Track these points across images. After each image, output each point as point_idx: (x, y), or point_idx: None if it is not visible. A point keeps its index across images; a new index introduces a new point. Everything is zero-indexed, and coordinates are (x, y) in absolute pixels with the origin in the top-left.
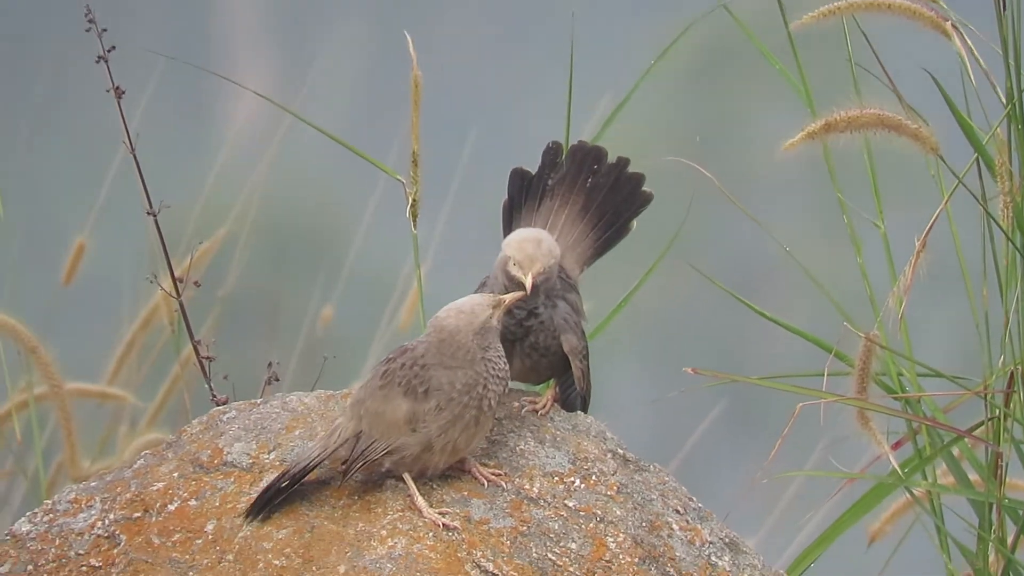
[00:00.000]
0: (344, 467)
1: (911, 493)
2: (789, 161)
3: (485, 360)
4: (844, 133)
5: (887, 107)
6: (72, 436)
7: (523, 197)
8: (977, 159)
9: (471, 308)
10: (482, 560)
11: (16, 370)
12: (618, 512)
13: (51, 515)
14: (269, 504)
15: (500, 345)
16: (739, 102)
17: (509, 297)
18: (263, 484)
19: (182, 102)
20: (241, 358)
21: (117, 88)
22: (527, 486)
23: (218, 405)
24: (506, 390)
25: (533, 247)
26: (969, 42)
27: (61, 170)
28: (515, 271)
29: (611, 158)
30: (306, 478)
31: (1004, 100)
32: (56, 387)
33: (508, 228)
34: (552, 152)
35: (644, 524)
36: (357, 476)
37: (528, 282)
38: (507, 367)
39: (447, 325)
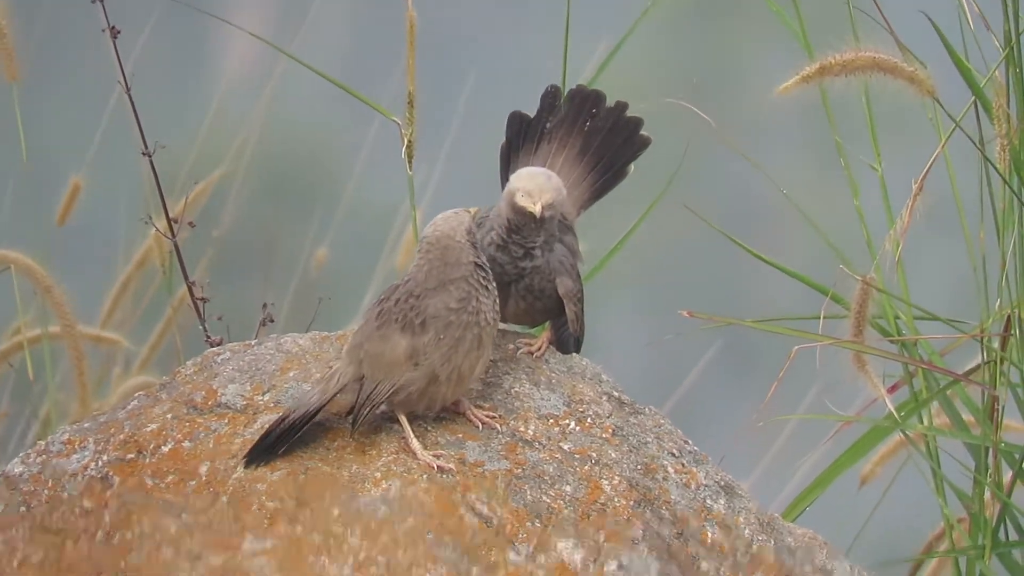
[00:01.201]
0: (351, 414)
1: (907, 436)
2: (786, 104)
3: (477, 267)
4: (839, 76)
5: (884, 50)
6: (84, 376)
7: (521, 140)
8: (975, 102)
9: (450, 215)
10: (476, 503)
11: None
12: (613, 455)
13: (44, 456)
14: (271, 451)
15: (487, 265)
16: (736, 44)
17: (474, 209)
18: (258, 426)
19: (179, 43)
20: (236, 299)
21: (113, 28)
22: (522, 428)
23: (212, 346)
24: (498, 315)
25: (544, 179)
26: None
27: (57, 110)
28: (523, 200)
29: (609, 102)
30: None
31: (1002, 43)
32: (69, 327)
33: (506, 171)
34: (550, 96)
35: (639, 467)
36: (367, 421)
37: (537, 209)
38: (496, 291)
39: (440, 234)
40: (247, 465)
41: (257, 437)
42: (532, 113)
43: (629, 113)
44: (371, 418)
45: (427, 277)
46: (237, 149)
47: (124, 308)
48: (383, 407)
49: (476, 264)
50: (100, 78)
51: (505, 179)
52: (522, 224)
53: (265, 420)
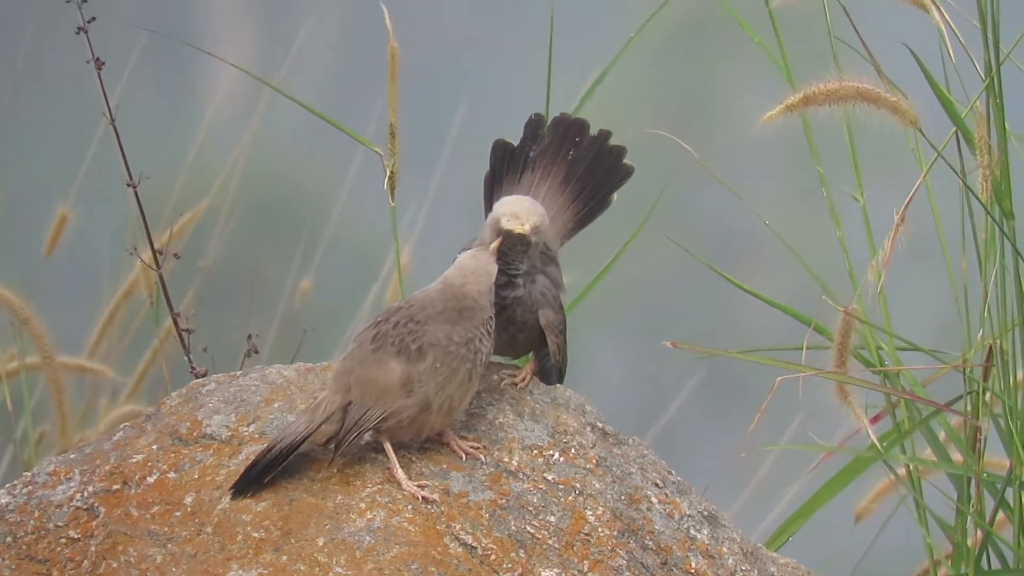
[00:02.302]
0: (334, 440)
1: (889, 467)
2: (769, 134)
3: (490, 318)
4: (823, 106)
5: (867, 80)
6: (63, 407)
7: (505, 169)
8: (956, 132)
9: (482, 267)
10: (461, 533)
11: (5, 340)
12: (597, 485)
13: (30, 487)
14: (257, 482)
15: (492, 309)
16: (719, 75)
17: (495, 244)
18: (243, 457)
19: (164, 75)
20: (221, 330)
21: (97, 59)
22: (506, 459)
23: (197, 377)
24: (491, 351)
25: (529, 204)
26: (948, 16)
27: (45, 141)
28: (509, 223)
29: (592, 130)
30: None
31: (983, 74)
32: (48, 359)
33: (489, 200)
34: (534, 124)
35: (623, 497)
36: (351, 448)
37: (526, 229)
38: (494, 323)
39: (469, 292)
40: (234, 496)
41: (242, 468)
42: (517, 141)
43: (612, 142)
44: (356, 444)
45: (438, 312)
46: (223, 180)
47: (111, 339)
48: (369, 435)
49: (488, 317)
50: (87, 109)
51: (488, 208)
52: (508, 249)
53: (250, 451)
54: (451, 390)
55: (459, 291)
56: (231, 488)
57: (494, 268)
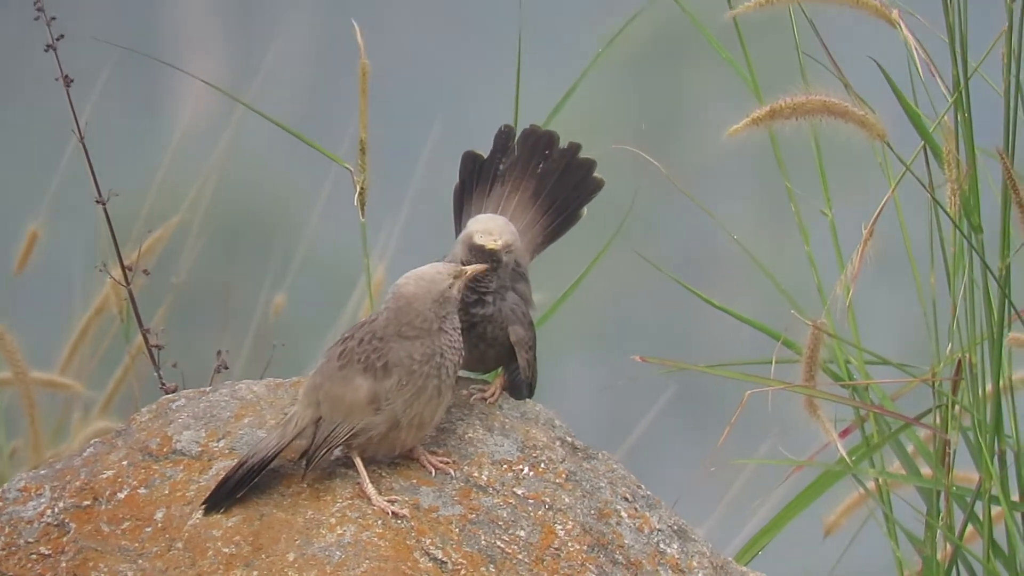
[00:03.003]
0: (305, 456)
1: (859, 481)
2: (736, 149)
3: (442, 331)
4: (789, 120)
5: (834, 94)
6: (36, 424)
7: (475, 182)
8: (924, 147)
9: (432, 276)
10: (431, 548)
11: None
12: (567, 500)
13: (1, 503)
14: (229, 497)
15: (457, 317)
16: (688, 90)
17: (471, 268)
18: (213, 473)
19: (136, 92)
20: (193, 347)
21: (66, 77)
22: (476, 474)
23: (167, 393)
24: (460, 362)
25: (502, 223)
26: (915, 31)
27: (14, 158)
28: (482, 239)
29: (562, 143)
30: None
31: (951, 88)
32: (21, 374)
33: (459, 213)
34: (504, 136)
35: (593, 512)
36: (322, 464)
37: (498, 245)
38: (461, 340)
39: (405, 292)
40: (206, 512)
41: (213, 484)
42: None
43: (581, 155)
44: (326, 460)
45: (387, 324)
46: (194, 197)
47: (83, 355)
48: (339, 450)
49: (439, 328)
50: (57, 126)
51: (458, 221)
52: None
53: (221, 467)
54: (419, 407)
55: (397, 291)
56: (203, 504)
57: (447, 284)
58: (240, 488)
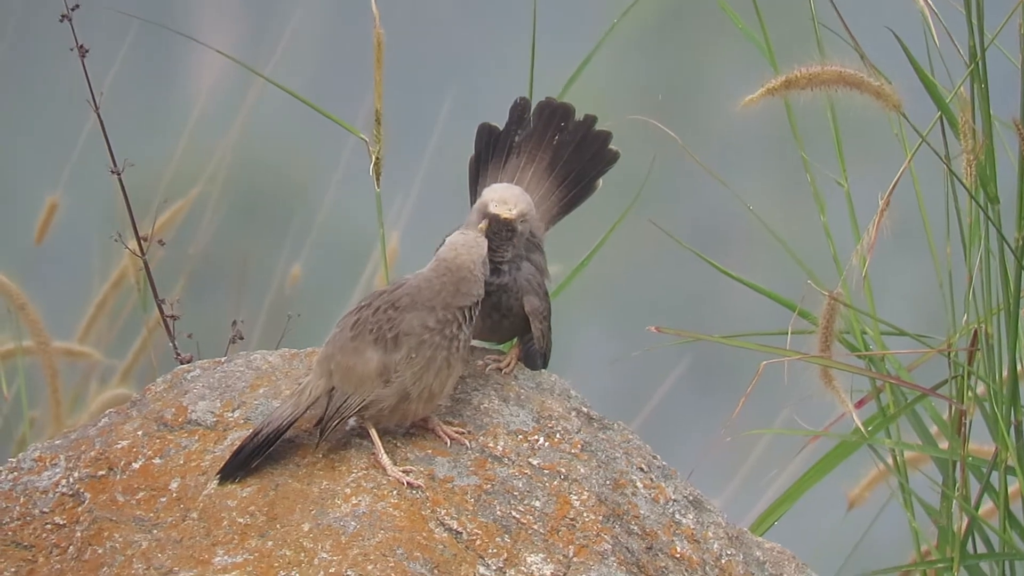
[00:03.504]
0: (319, 426)
1: (876, 453)
2: (753, 119)
3: (477, 302)
4: (805, 90)
5: (850, 65)
6: (58, 393)
7: (490, 154)
8: (940, 117)
9: (471, 242)
10: (446, 518)
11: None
12: (582, 470)
13: (15, 473)
14: (244, 467)
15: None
16: (703, 61)
17: (482, 224)
18: (228, 443)
19: (154, 63)
20: (209, 318)
21: (81, 47)
22: (491, 444)
23: (182, 364)
24: (470, 332)
25: (518, 192)
26: (931, 1)
27: (36, 128)
28: (497, 208)
29: (578, 116)
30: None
31: (967, 59)
32: (43, 344)
33: (475, 184)
34: (519, 108)
35: (608, 482)
36: (335, 435)
37: (513, 214)
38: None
39: (461, 263)
40: (221, 481)
41: (228, 454)
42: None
43: (597, 127)
44: (340, 430)
45: (435, 292)
46: (212, 169)
47: (101, 325)
48: (354, 420)
49: (478, 296)
50: (78, 97)
51: (473, 192)
52: (493, 234)
53: (235, 437)
54: (429, 379)
55: (453, 263)
56: (218, 473)
57: (484, 242)
58: (255, 458)
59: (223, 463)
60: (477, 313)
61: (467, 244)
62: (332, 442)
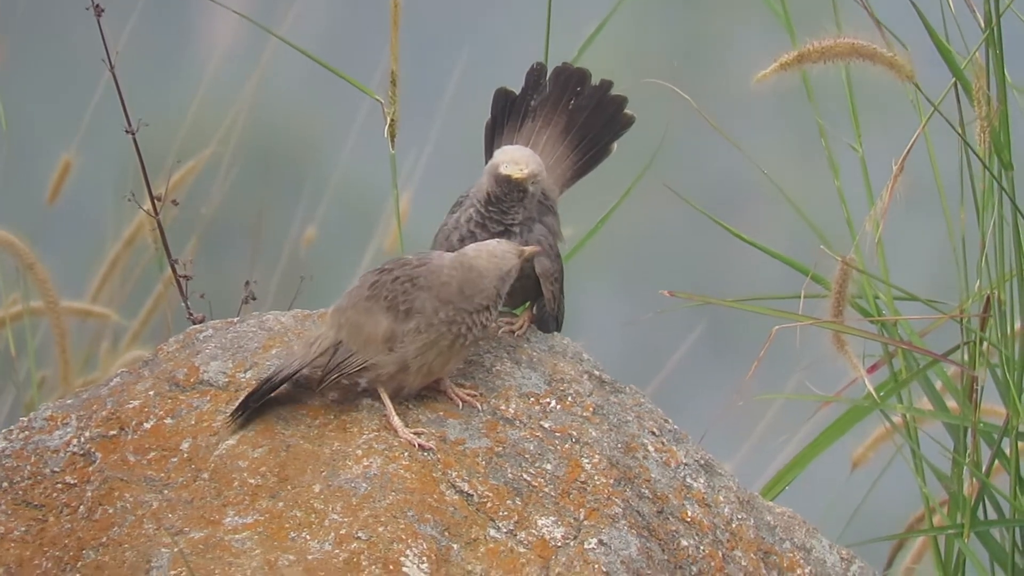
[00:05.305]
0: (320, 376)
1: (887, 418)
2: (768, 86)
3: (491, 308)
4: (818, 63)
5: (862, 35)
6: (66, 353)
7: (506, 117)
8: (955, 84)
9: (502, 253)
10: (457, 480)
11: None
12: (593, 433)
13: (27, 432)
14: (247, 408)
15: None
16: (720, 25)
17: (529, 249)
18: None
19: (168, 23)
20: (222, 278)
21: (97, 6)
22: (503, 407)
23: (194, 324)
24: (482, 336)
25: (528, 153)
26: None
27: (48, 88)
28: (508, 168)
29: (593, 81)
30: (283, 389)
31: (983, 25)
32: (52, 304)
33: (490, 148)
34: (535, 73)
35: (619, 445)
36: (331, 390)
37: (525, 174)
38: (495, 317)
39: (477, 265)
40: (231, 419)
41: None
42: (518, 90)
43: (612, 92)
44: (340, 384)
45: (444, 285)
46: (225, 129)
47: (113, 285)
48: (363, 382)
49: (485, 307)
50: (92, 56)
51: (488, 155)
52: (504, 195)
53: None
54: (430, 357)
55: (467, 264)
56: (231, 415)
57: (513, 260)
58: (261, 398)
59: (235, 405)
60: (488, 320)
61: (492, 253)
62: (343, 403)
